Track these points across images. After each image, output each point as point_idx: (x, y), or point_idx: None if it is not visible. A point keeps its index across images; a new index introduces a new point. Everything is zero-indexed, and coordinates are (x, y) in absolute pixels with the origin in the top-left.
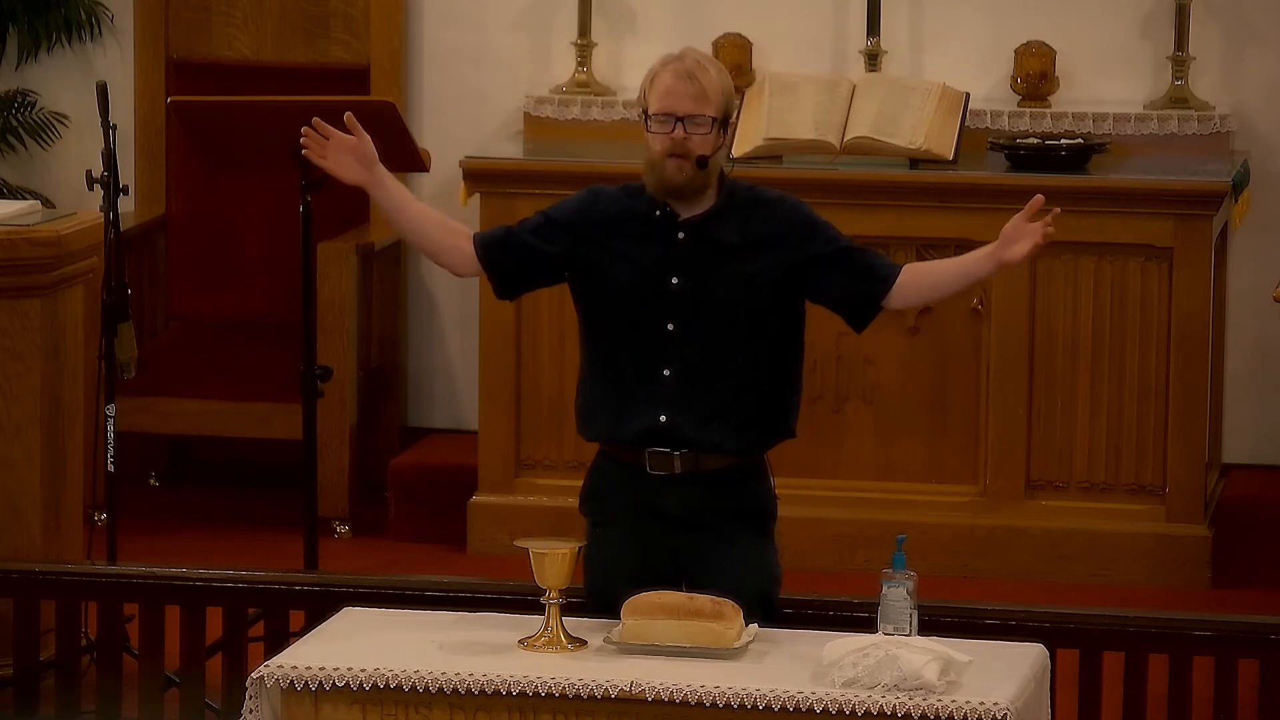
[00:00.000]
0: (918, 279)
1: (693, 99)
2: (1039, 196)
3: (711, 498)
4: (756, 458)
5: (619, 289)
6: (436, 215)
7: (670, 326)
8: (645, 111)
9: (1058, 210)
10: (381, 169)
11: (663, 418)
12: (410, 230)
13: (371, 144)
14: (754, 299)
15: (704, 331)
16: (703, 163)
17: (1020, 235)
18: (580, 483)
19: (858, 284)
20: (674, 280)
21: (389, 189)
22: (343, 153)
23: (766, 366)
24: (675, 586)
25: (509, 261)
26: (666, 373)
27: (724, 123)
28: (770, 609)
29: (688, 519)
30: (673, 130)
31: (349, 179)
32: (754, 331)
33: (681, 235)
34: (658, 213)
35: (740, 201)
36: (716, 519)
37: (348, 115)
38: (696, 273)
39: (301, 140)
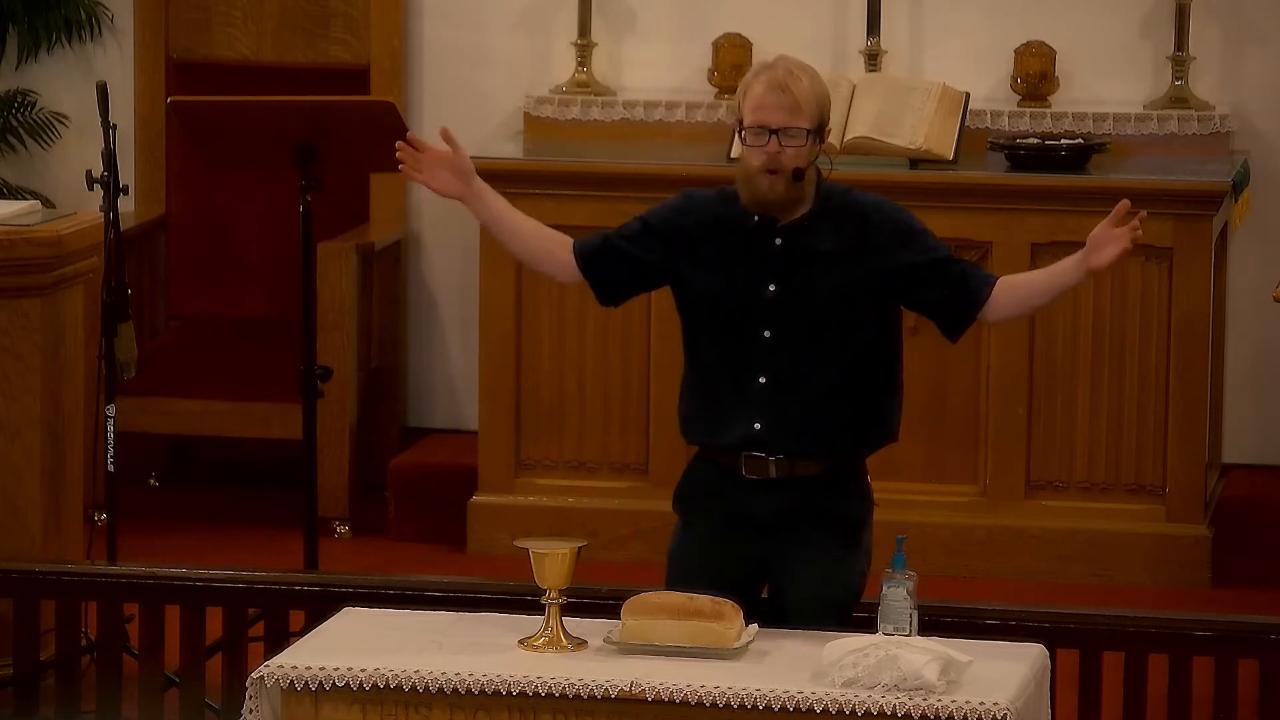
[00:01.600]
0: (1012, 292)
1: (786, 111)
2: (1125, 201)
3: (799, 503)
4: (854, 462)
5: (715, 296)
6: (535, 224)
7: (766, 334)
8: (740, 122)
9: (1144, 214)
10: (479, 180)
11: (757, 425)
12: (509, 239)
13: (467, 156)
14: (849, 307)
15: (799, 340)
16: (798, 175)
17: (1107, 241)
18: (577, 483)
19: (953, 296)
20: (770, 288)
21: (487, 201)
22: (438, 166)
23: (862, 372)
24: (755, 590)
25: (609, 270)
26: (762, 380)
27: (819, 132)
28: (846, 618)
29: (775, 524)
30: (767, 143)
31: (446, 192)
32: (849, 338)
33: (778, 242)
34: (755, 218)
35: (836, 206)
36: (803, 524)
37: (443, 129)
38: (792, 280)
39: (397, 155)
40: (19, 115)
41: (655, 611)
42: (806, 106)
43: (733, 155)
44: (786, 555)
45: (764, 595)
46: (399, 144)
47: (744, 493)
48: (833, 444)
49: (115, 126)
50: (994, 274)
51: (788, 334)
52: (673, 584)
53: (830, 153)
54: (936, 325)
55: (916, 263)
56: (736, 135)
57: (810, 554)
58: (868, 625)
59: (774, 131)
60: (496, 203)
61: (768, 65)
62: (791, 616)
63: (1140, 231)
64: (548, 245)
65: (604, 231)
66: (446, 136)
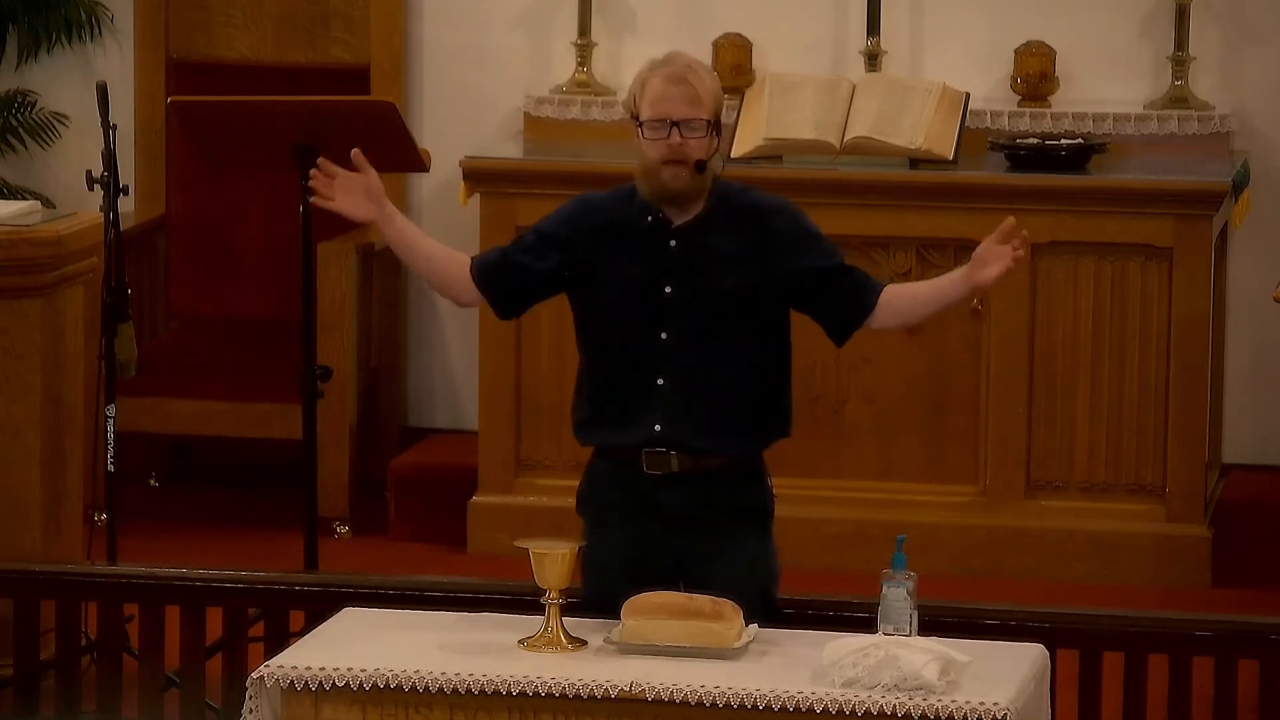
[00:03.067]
0: (897, 300)
1: (686, 103)
2: (1010, 219)
3: (709, 496)
4: (754, 457)
5: (613, 299)
6: (442, 249)
7: (664, 335)
8: (636, 118)
9: (1026, 234)
10: (390, 205)
11: (658, 426)
12: (417, 265)
13: (379, 180)
14: (747, 307)
15: (697, 339)
16: (701, 166)
17: (992, 258)
18: (577, 483)
19: (843, 303)
20: (667, 289)
21: (398, 225)
22: (351, 191)
23: (760, 371)
24: (673, 585)
25: (504, 284)
26: (661, 381)
27: (717, 125)
28: (770, 606)
29: (686, 517)
30: (669, 136)
31: (358, 216)
32: (747, 338)
33: (674, 243)
34: (650, 219)
35: (734, 206)
36: (715, 517)
37: (355, 152)
38: (689, 281)
39: (311, 183)
40: (19, 115)
41: (655, 611)
42: (706, 99)
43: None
44: (703, 547)
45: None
46: (313, 171)
47: (649, 488)
48: (732, 441)
49: (115, 126)
50: (882, 282)
51: (686, 334)
52: (594, 591)
53: (830, 152)
54: (824, 328)
55: (815, 268)
56: (634, 132)
57: (731, 546)
58: (867, 625)
59: (675, 123)
60: (407, 228)
61: (663, 61)
62: None
63: (1023, 252)
64: (454, 268)
65: (500, 248)
66: (358, 160)
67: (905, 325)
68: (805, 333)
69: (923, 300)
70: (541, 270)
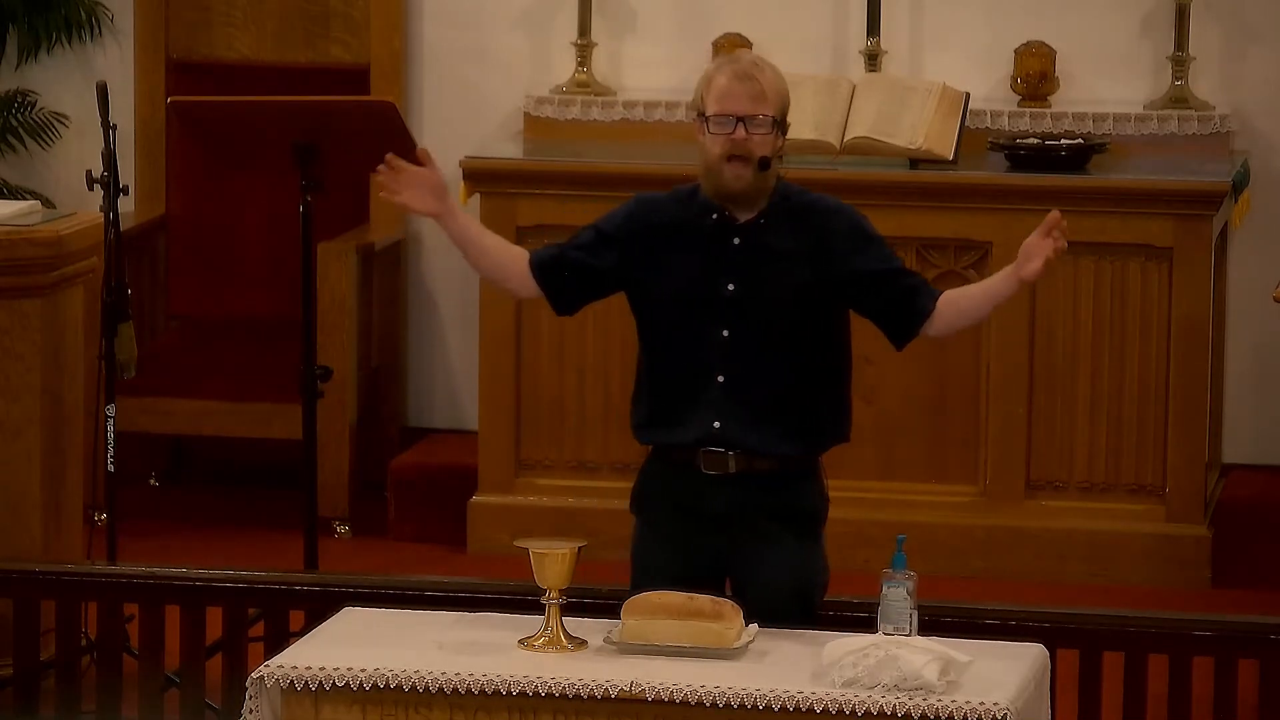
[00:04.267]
0: (951, 306)
1: (751, 99)
2: (1055, 213)
3: (760, 498)
4: (809, 460)
5: (672, 297)
6: (500, 242)
7: (724, 333)
8: (702, 114)
9: (1065, 224)
10: (453, 200)
11: (716, 424)
12: (477, 259)
13: (442, 176)
14: (807, 306)
15: (757, 338)
16: (764, 164)
17: (1036, 252)
18: (577, 483)
19: (900, 308)
20: (729, 287)
21: (459, 220)
22: (416, 185)
23: (818, 372)
24: (718, 585)
25: (562, 280)
26: (720, 379)
27: (782, 124)
28: (810, 611)
29: (734, 518)
30: (733, 131)
31: (423, 211)
32: (806, 337)
33: (736, 241)
34: (713, 216)
35: (795, 206)
36: (762, 519)
37: (421, 149)
38: (750, 279)
39: (379, 178)
40: (19, 115)
41: (655, 611)
42: (772, 96)
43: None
44: (748, 549)
45: (727, 590)
46: (381, 166)
47: (703, 489)
48: (790, 442)
49: (115, 126)
50: (940, 289)
51: (746, 333)
52: (637, 584)
53: (830, 152)
54: (884, 332)
55: (873, 270)
56: (698, 129)
57: (772, 547)
58: (868, 625)
59: (740, 119)
60: (467, 220)
61: (731, 58)
62: (756, 610)
63: (1064, 243)
64: (513, 263)
65: (558, 244)
66: (424, 156)
67: (962, 328)
68: None
69: (976, 302)
70: (598, 268)
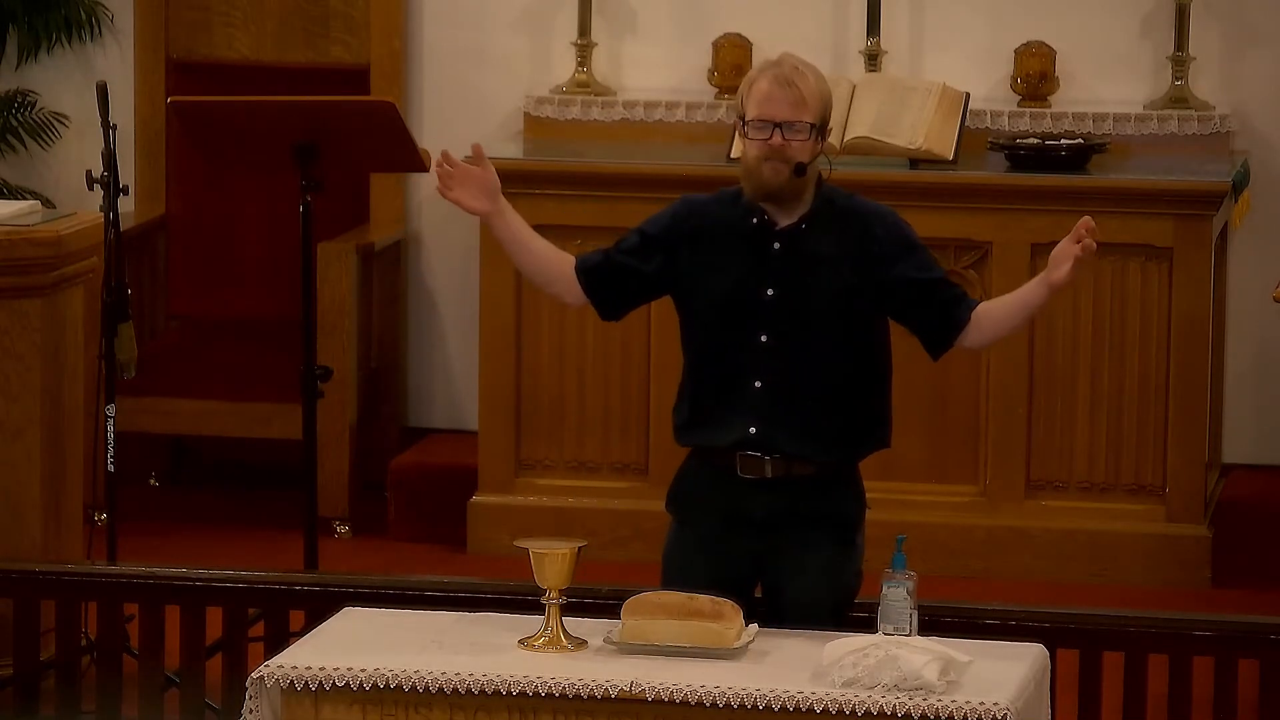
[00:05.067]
0: (986, 317)
1: (790, 105)
2: (1087, 218)
3: (795, 502)
4: (847, 466)
5: (714, 300)
6: (549, 247)
7: (763, 338)
8: (742, 118)
9: (1093, 226)
10: (504, 201)
11: (753, 429)
12: (525, 262)
13: (496, 175)
14: (847, 312)
15: (796, 344)
16: (800, 170)
17: (1064, 257)
18: (577, 483)
19: (936, 317)
20: (769, 292)
21: (509, 221)
22: (469, 184)
23: (858, 378)
24: (750, 588)
25: (608, 286)
26: (758, 384)
27: (822, 129)
28: (840, 616)
29: (771, 523)
30: (770, 137)
31: (474, 209)
32: (846, 343)
33: (777, 245)
34: (754, 220)
35: (838, 211)
36: (798, 524)
37: (475, 146)
38: (791, 285)
39: (436, 170)
40: (19, 115)
41: (655, 611)
42: (812, 102)
43: (733, 155)
44: (782, 554)
45: (758, 594)
46: (438, 161)
47: (740, 492)
48: (828, 447)
49: (115, 126)
50: (976, 300)
51: (785, 338)
52: (669, 584)
53: (830, 153)
54: (920, 342)
55: (913, 279)
56: (738, 131)
57: (806, 553)
58: (868, 625)
59: (778, 125)
60: (518, 224)
61: (774, 62)
62: (787, 615)
63: (1094, 245)
64: (559, 267)
65: (603, 249)
66: (478, 154)
67: (998, 338)
68: None
69: (1008, 312)
70: (645, 272)
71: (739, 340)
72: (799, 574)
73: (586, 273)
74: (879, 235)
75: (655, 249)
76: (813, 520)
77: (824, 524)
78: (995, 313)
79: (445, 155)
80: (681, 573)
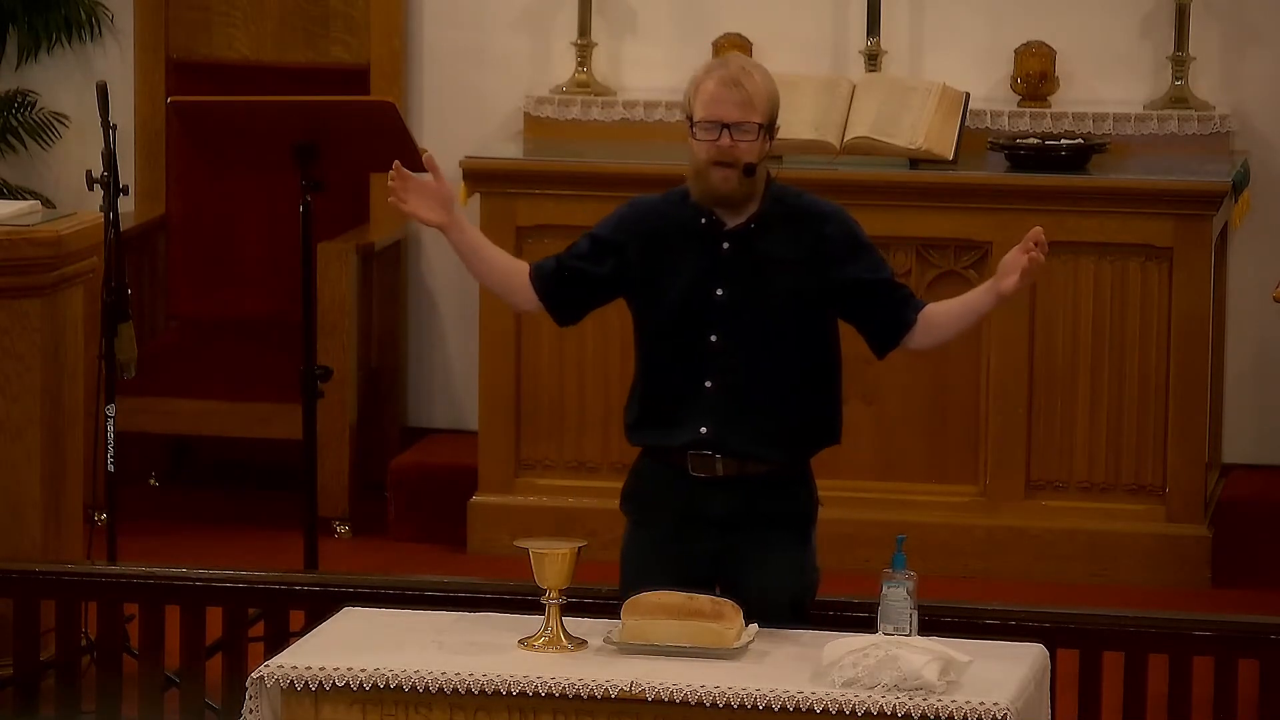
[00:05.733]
0: (933, 320)
1: (739, 106)
2: (1037, 229)
3: (752, 501)
4: (799, 463)
5: (665, 301)
6: (505, 257)
7: (713, 338)
8: (690, 118)
9: (1044, 239)
10: (459, 211)
11: (703, 429)
12: (483, 272)
13: (449, 187)
14: (798, 312)
15: (747, 344)
16: (750, 170)
17: (1014, 267)
18: (577, 483)
19: (884, 318)
20: (718, 292)
21: (465, 231)
22: (424, 195)
23: (809, 377)
24: (709, 588)
25: (561, 291)
26: (709, 384)
27: (770, 128)
28: (801, 613)
29: (727, 521)
30: (719, 138)
31: (429, 220)
32: (797, 343)
33: (726, 245)
34: (703, 221)
35: (789, 209)
36: (755, 522)
37: (426, 156)
38: (741, 285)
39: (390, 183)
40: (19, 115)
41: (655, 611)
42: (760, 102)
43: None
44: (739, 552)
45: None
46: (391, 174)
47: (694, 492)
48: (780, 447)
49: (115, 126)
50: (924, 302)
51: (736, 338)
52: (627, 585)
53: (830, 152)
54: (866, 341)
55: (863, 279)
56: (688, 133)
57: (764, 550)
58: (867, 625)
59: (726, 126)
60: (473, 232)
61: (720, 63)
62: (748, 613)
63: (1042, 257)
64: (515, 276)
65: (556, 255)
66: (430, 164)
67: (942, 342)
68: None
69: (955, 315)
70: (597, 275)
71: (689, 341)
72: (756, 572)
73: (540, 280)
74: (829, 235)
75: (606, 252)
76: (769, 519)
77: (780, 521)
78: (941, 316)
79: (397, 167)
80: (639, 574)
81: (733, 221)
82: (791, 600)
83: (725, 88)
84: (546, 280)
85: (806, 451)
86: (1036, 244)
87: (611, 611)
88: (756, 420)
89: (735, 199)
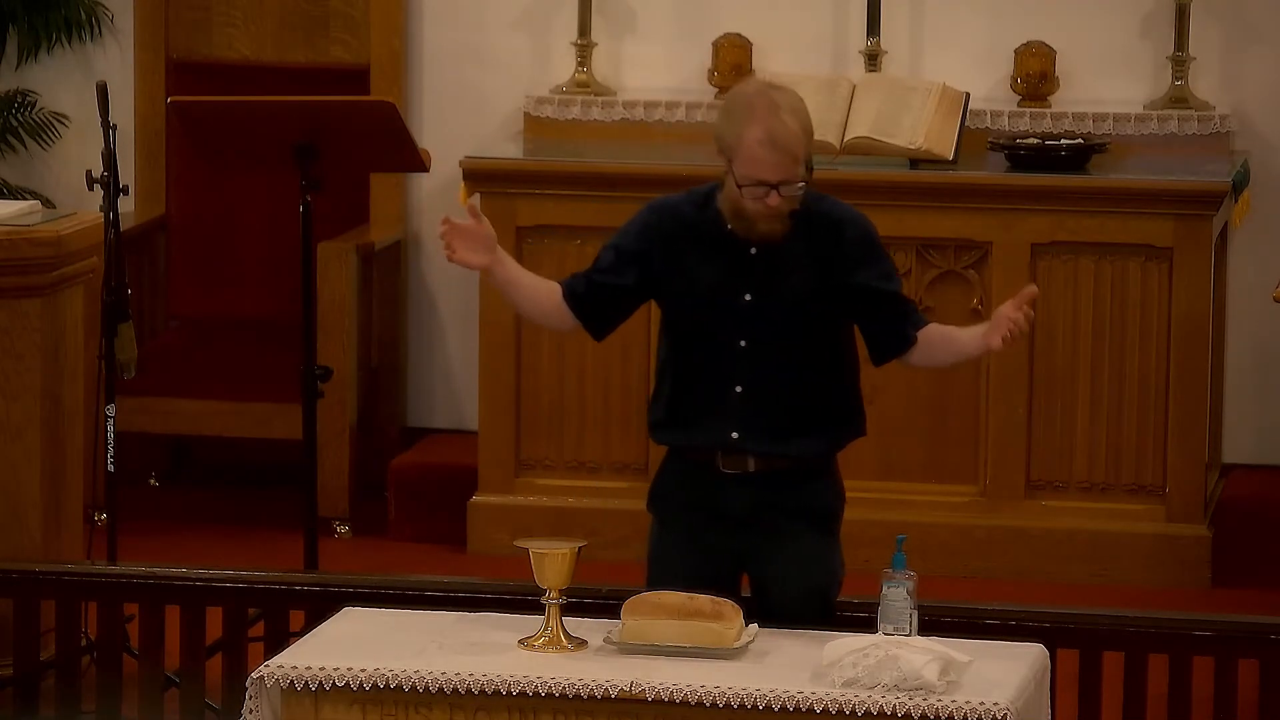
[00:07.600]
0: (930, 343)
1: (782, 167)
2: (1032, 287)
3: (777, 497)
4: (826, 458)
5: (693, 304)
6: (540, 283)
7: (743, 343)
8: (730, 164)
9: (1036, 297)
10: (501, 250)
11: (734, 434)
12: (522, 301)
13: (491, 228)
14: (822, 314)
15: (775, 348)
16: (795, 213)
17: (1001, 324)
18: (577, 483)
19: (886, 330)
20: (746, 297)
21: (508, 269)
22: (469, 240)
23: (834, 376)
24: (736, 584)
25: (594, 308)
26: (738, 389)
27: (809, 165)
28: (827, 608)
29: (752, 517)
30: (766, 196)
31: (476, 265)
32: (823, 345)
33: (754, 251)
34: (729, 226)
35: (812, 214)
36: (780, 517)
37: (470, 204)
38: (769, 289)
39: (440, 234)
40: (19, 115)
41: (655, 611)
42: (800, 152)
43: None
44: (766, 548)
45: (746, 593)
46: (441, 232)
47: (720, 488)
48: (807, 446)
49: (115, 126)
50: (927, 320)
51: (764, 342)
52: (654, 584)
53: (830, 152)
54: (866, 346)
55: (868, 287)
56: (726, 171)
57: (790, 545)
58: (868, 625)
59: (773, 186)
60: (514, 269)
61: (755, 109)
62: (776, 607)
63: (1021, 317)
64: (549, 298)
65: (584, 272)
66: (473, 211)
67: (934, 367)
68: None
69: (949, 351)
70: (625, 287)
71: (718, 345)
72: (783, 567)
73: (575, 300)
74: (847, 238)
75: (630, 262)
76: (794, 513)
77: (806, 516)
78: (938, 343)
79: (447, 221)
80: (666, 573)
81: None
82: (816, 595)
83: (766, 150)
84: (581, 300)
85: (835, 446)
86: (1029, 304)
87: (611, 611)
88: (786, 422)
89: (779, 238)
